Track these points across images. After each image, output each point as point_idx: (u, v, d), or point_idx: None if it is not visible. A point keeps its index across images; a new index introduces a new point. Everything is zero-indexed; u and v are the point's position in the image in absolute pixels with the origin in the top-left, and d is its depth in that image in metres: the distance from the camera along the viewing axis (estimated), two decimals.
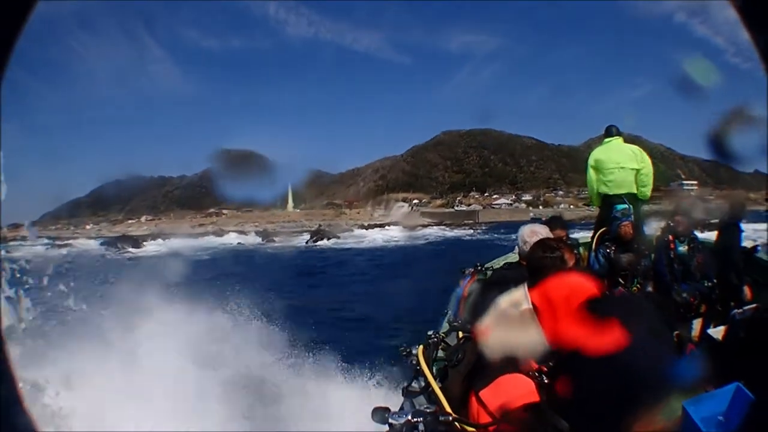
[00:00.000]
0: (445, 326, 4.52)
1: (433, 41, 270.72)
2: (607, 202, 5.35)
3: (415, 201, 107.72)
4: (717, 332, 3.75)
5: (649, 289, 4.79)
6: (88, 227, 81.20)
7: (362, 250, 39.43)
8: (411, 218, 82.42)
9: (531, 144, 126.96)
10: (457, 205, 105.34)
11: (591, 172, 5.60)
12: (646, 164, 5.44)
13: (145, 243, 47.91)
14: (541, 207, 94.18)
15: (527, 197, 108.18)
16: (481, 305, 2.95)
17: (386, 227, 65.20)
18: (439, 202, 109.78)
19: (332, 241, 50.44)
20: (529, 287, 2.46)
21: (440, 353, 3.84)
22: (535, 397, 2.28)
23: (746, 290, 4.78)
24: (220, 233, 61.71)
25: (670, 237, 4.92)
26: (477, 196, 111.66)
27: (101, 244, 46.56)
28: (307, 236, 53.25)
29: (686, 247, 4.85)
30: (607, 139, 5.58)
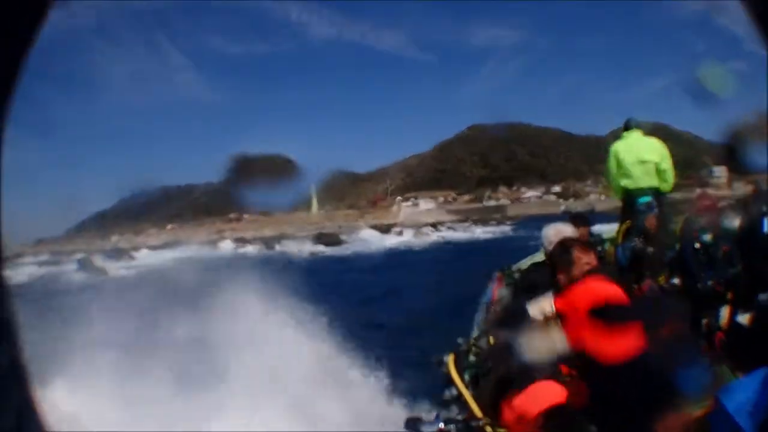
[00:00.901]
0: (476, 331, 4.66)
1: (456, 38, 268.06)
2: (630, 195, 5.44)
3: (441, 199, 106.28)
4: (745, 318, 3.78)
5: (676, 280, 4.67)
6: (113, 238, 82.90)
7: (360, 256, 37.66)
8: (433, 216, 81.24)
9: (558, 135, 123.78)
10: (486, 200, 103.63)
11: (612, 166, 5.70)
12: (665, 157, 5.57)
13: (135, 255, 44.46)
14: (572, 199, 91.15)
15: (557, 189, 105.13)
16: (510, 313, 3.25)
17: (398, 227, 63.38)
18: (467, 197, 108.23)
19: (332, 248, 46.27)
20: (554, 292, 2.65)
21: (472, 358, 3.94)
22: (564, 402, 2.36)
23: None
24: (215, 242, 57.78)
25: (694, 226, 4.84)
26: (505, 191, 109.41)
27: (77, 260, 37.37)
28: (310, 242, 49.62)
29: (710, 236, 4.63)
30: (625, 133, 5.76)
